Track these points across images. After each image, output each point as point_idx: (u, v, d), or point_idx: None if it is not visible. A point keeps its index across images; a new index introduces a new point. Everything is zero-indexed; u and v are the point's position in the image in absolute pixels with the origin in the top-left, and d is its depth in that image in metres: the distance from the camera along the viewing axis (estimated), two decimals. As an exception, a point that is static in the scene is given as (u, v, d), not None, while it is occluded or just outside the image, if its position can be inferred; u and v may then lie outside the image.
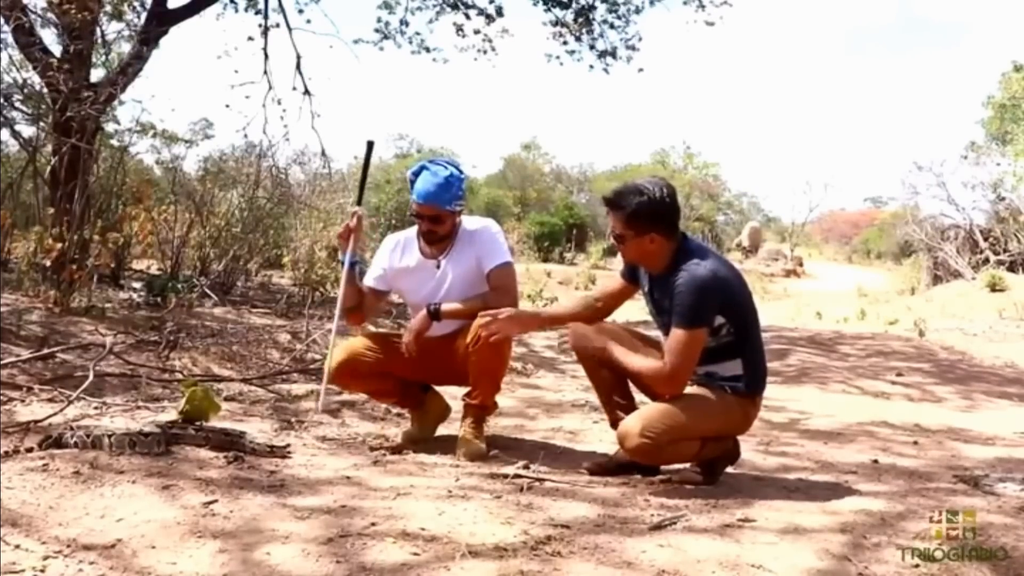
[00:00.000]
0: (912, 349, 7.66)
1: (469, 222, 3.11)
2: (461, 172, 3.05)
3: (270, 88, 7.71)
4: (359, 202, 3.31)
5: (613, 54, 9.49)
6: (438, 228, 3.02)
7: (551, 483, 2.58)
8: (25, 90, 7.06)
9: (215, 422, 2.92)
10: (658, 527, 2.15)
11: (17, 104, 7.11)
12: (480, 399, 3.03)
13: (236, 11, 8.62)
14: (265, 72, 7.76)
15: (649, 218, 2.58)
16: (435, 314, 2.98)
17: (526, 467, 2.76)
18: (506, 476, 2.64)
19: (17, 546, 1.85)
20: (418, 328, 3.00)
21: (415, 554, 1.90)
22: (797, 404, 4.39)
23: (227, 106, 7.63)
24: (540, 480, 2.61)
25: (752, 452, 3.19)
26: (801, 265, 29.55)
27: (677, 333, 2.52)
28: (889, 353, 7.17)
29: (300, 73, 7.88)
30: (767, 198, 65.54)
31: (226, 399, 3.69)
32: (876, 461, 3.10)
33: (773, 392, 4.80)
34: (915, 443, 3.50)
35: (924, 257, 19.01)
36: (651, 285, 2.73)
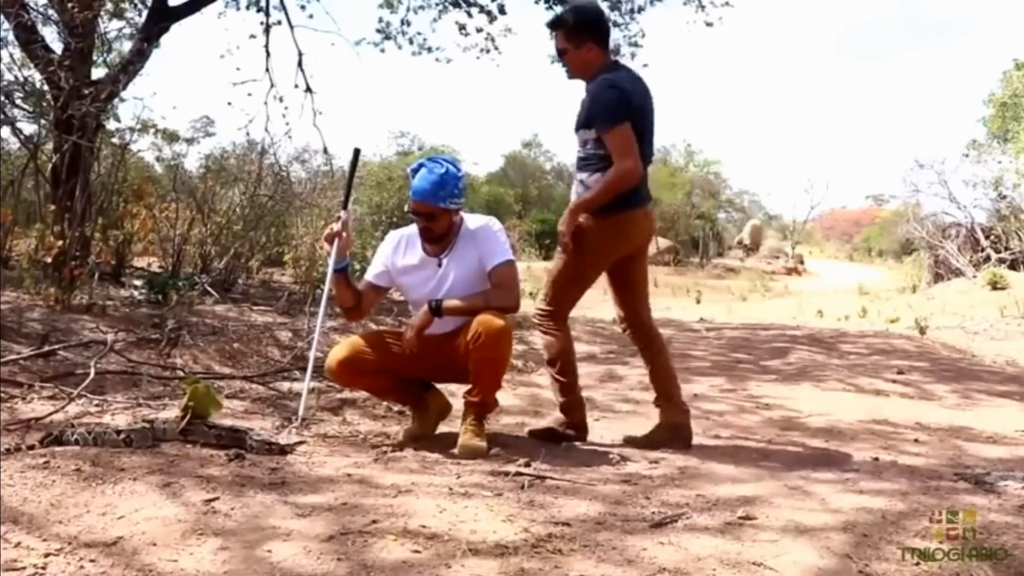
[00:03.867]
0: (913, 347, 7.65)
1: (471, 220, 3.11)
2: (459, 170, 3.04)
3: (272, 86, 7.70)
4: (345, 206, 3.31)
5: (616, 52, 9.46)
6: (434, 226, 3.02)
7: (552, 481, 2.59)
8: (26, 87, 7.05)
9: (216, 419, 2.92)
10: (659, 525, 2.15)
11: (18, 102, 7.11)
12: (481, 396, 3.03)
13: (238, 9, 8.60)
14: (267, 70, 7.74)
15: (587, 27, 3.14)
16: (436, 310, 2.99)
17: (527, 465, 2.76)
18: (507, 474, 2.64)
19: (18, 544, 1.85)
20: (419, 324, 3.00)
21: (416, 552, 1.90)
22: (797, 402, 4.39)
23: (229, 104, 7.60)
24: (541, 478, 2.61)
25: (753, 450, 3.19)
26: (802, 263, 29.57)
27: (609, 135, 3.02)
28: (890, 351, 7.16)
29: (302, 70, 7.87)
30: (768, 196, 65.45)
31: (227, 397, 3.69)
32: (877, 459, 3.10)
33: (774, 390, 4.81)
34: (916, 441, 3.50)
35: (925, 255, 18.95)
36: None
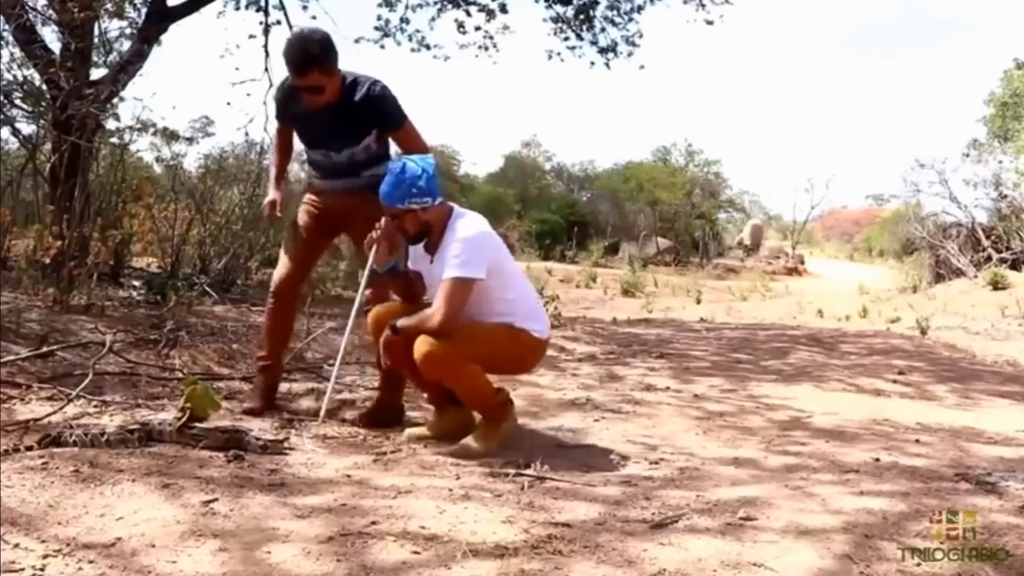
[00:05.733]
0: (914, 347, 7.65)
1: (458, 219, 2.99)
2: (420, 167, 2.90)
3: (271, 85, 7.68)
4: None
5: (614, 50, 9.49)
6: (403, 226, 2.97)
7: (552, 482, 2.58)
8: (25, 88, 7.05)
9: (215, 420, 2.92)
10: (659, 526, 2.14)
11: (17, 102, 7.11)
12: (472, 409, 3.04)
13: (237, 8, 8.61)
14: (266, 69, 7.75)
15: (333, 55, 3.19)
16: (395, 331, 2.94)
17: (527, 466, 2.75)
18: (507, 475, 2.64)
19: (16, 545, 1.85)
20: (386, 346, 2.98)
21: (416, 553, 1.90)
22: (798, 402, 4.38)
23: (228, 103, 7.62)
24: (541, 479, 2.61)
25: (753, 450, 3.19)
26: (803, 263, 29.52)
27: (405, 129, 3.30)
28: (891, 351, 7.16)
29: (302, 70, 7.86)
30: (769, 196, 65.52)
31: (225, 397, 3.68)
32: (878, 459, 3.09)
33: (774, 390, 4.80)
34: (917, 441, 3.49)
35: (926, 255, 18.94)
36: (329, 115, 3.28)
